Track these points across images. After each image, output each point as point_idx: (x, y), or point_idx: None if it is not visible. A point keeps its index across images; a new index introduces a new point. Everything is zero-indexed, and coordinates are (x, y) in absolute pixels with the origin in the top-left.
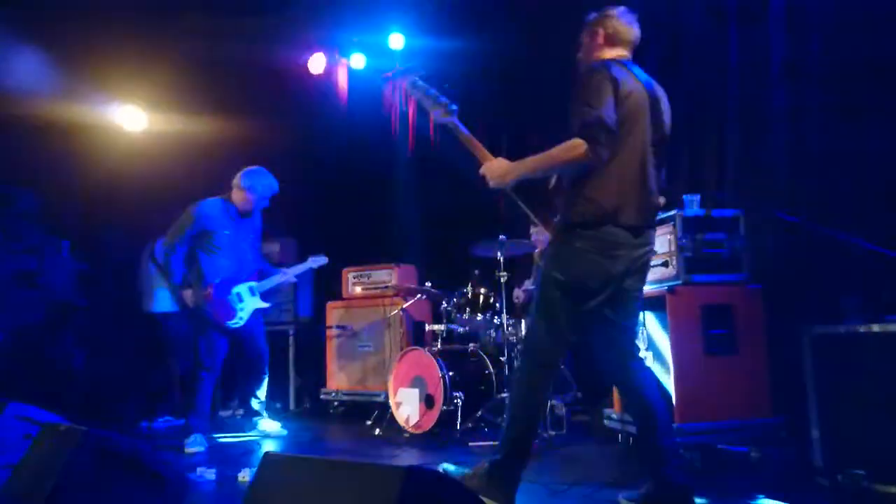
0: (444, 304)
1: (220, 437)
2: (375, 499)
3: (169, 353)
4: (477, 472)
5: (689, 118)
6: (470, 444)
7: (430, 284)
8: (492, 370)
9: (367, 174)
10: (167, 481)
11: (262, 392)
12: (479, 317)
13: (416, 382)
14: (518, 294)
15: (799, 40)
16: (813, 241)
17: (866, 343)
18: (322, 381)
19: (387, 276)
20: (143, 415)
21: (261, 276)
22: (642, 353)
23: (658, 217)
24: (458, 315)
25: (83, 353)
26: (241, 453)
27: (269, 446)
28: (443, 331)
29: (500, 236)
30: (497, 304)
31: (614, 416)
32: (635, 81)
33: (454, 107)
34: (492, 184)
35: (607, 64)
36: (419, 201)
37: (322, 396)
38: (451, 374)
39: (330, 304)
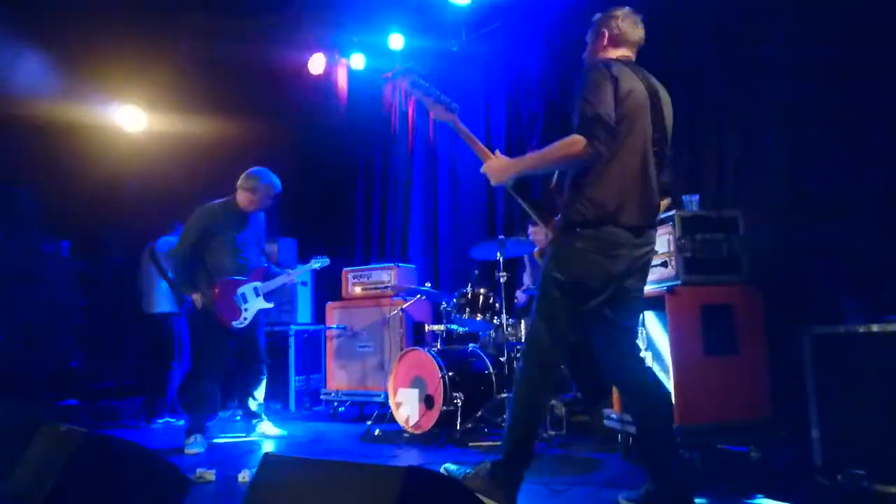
0: (444, 305)
1: (219, 438)
2: (375, 499)
3: (169, 353)
4: (479, 472)
5: (689, 118)
6: (470, 444)
7: (429, 285)
8: (492, 370)
9: (366, 174)
10: (167, 482)
11: (259, 393)
12: (479, 317)
13: (416, 383)
14: (518, 296)
15: (799, 41)
16: (813, 241)
17: (866, 343)
18: (322, 382)
19: (386, 276)
20: (143, 415)
21: (265, 277)
22: (642, 353)
23: (658, 217)
24: (458, 315)
25: (83, 353)
26: (241, 454)
27: (268, 447)
28: (443, 331)
29: (500, 236)
30: (497, 305)
31: (614, 416)
32: (636, 81)
33: (455, 105)
34: (492, 182)
35: (609, 63)
36: (419, 201)
37: (322, 397)
38: (450, 374)
39: (330, 305)
